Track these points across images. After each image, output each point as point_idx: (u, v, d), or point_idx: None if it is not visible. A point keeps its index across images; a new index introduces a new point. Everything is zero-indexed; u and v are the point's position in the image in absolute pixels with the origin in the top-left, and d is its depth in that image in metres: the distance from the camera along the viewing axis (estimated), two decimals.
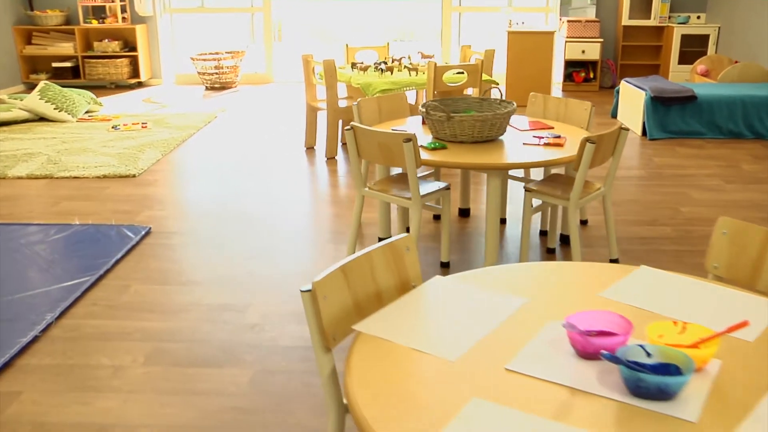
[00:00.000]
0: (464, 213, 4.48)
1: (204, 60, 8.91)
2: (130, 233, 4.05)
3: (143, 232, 4.07)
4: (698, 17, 9.02)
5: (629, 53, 9.29)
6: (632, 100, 6.82)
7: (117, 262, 3.70)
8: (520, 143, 3.57)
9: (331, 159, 5.70)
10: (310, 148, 6.05)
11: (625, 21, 8.96)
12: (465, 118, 3.47)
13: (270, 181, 5.14)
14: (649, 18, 8.96)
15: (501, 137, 3.66)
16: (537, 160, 3.27)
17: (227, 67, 9.00)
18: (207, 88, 9.11)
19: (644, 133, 6.57)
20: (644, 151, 6.06)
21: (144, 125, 6.78)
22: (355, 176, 3.56)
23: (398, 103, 4.25)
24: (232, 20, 9.99)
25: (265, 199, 4.75)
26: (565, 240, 4.01)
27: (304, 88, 7.94)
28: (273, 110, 7.73)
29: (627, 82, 7.07)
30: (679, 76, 8.86)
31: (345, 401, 1.60)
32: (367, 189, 3.58)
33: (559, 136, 3.65)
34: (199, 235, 4.12)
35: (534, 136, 3.68)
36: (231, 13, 9.68)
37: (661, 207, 4.60)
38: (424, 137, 3.66)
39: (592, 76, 9.01)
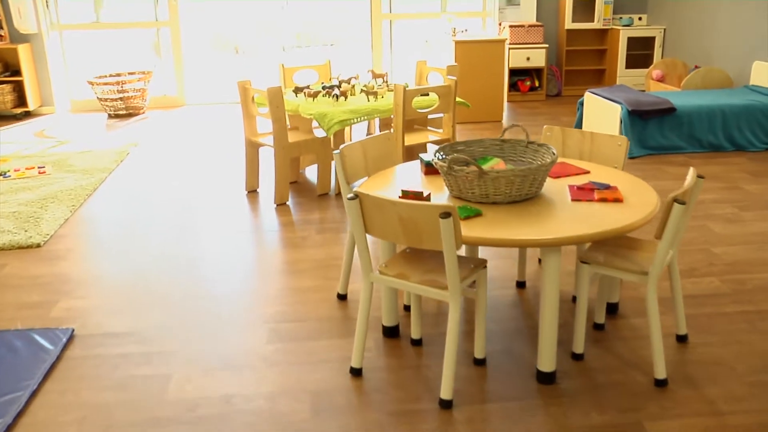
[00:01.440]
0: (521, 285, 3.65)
1: (105, 84, 7.70)
2: (44, 341, 2.99)
3: (64, 339, 3.02)
4: (639, 18, 8.57)
5: (573, 58, 8.74)
6: (602, 114, 6.19)
7: (27, 404, 2.64)
8: (566, 199, 2.77)
9: (281, 206, 4.74)
10: (252, 192, 5.06)
11: (568, 24, 8.39)
12: (502, 173, 2.63)
13: (212, 243, 4.14)
14: (592, 20, 8.42)
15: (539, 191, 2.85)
16: (608, 228, 2.46)
17: (133, 91, 7.82)
18: (110, 116, 7.90)
19: None
20: (630, 173, 5.40)
21: (42, 170, 5.59)
22: (362, 258, 2.65)
23: (386, 146, 3.37)
24: (134, 37, 8.79)
25: (216, 271, 3.76)
26: (611, 309, 3.24)
27: (241, 118, 6.96)
28: (194, 141, 6.66)
29: (593, 93, 6.44)
30: (628, 81, 8.37)
31: None
32: (377, 273, 2.68)
33: (609, 187, 2.87)
34: (144, 333, 3.09)
35: (578, 188, 2.88)
36: (132, 29, 8.48)
37: (691, 249, 3.92)
38: (438, 194, 2.81)
39: (537, 84, 8.39)
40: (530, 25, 8.15)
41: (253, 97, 4.79)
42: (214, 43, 15.35)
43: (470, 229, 2.47)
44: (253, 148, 4.99)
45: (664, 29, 8.27)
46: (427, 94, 4.86)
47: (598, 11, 8.36)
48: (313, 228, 4.31)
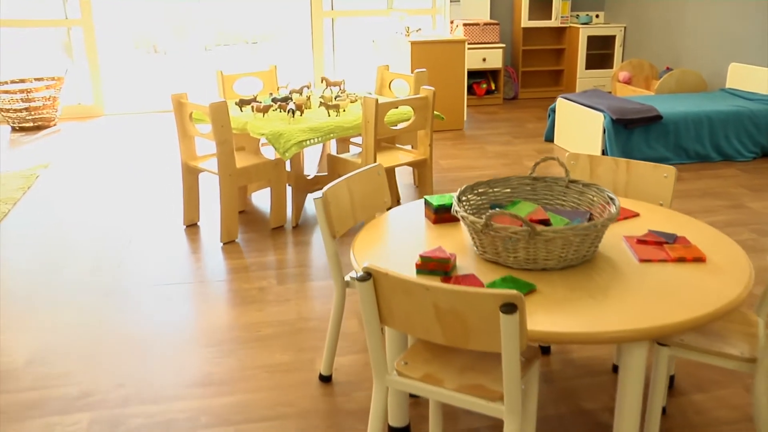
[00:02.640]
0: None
1: (6, 92, 6.65)
2: None
3: None
4: (597, 16, 8.08)
5: (529, 59, 8.17)
6: (579, 122, 5.60)
7: None
8: (629, 258, 2.10)
9: (230, 244, 3.93)
10: (192, 226, 4.22)
11: (525, 22, 7.81)
12: (560, 233, 1.94)
13: (143, 302, 3.31)
14: (549, 18, 7.87)
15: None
16: (711, 308, 1.80)
17: (41, 100, 6.80)
18: (15, 129, 6.85)
19: None
20: None
21: None
22: (375, 358, 1.91)
23: (375, 183, 2.64)
24: (41, 37, 7.72)
25: (151, 346, 2.93)
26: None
27: (173, 131, 6.05)
28: (117, 160, 5.74)
29: (566, 99, 5.85)
30: (588, 83, 7.85)
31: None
32: (395, 376, 1.94)
33: (676, 238, 2.21)
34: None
35: (639, 241, 2.21)
36: (39, 28, 7.42)
37: None
38: (463, 256, 2.10)
39: (493, 87, 7.78)
40: (485, 23, 7.53)
41: (190, 114, 3.96)
42: (133, 43, 14.17)
43: (527, 315, 1.76)
44: (191, 174, 4.15)
45: (624, 27, 7.79)
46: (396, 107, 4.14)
47: (555, 8, 7.81)
48: (272, 275, 3.53)
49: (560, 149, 5.86)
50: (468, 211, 2.28)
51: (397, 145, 4.46)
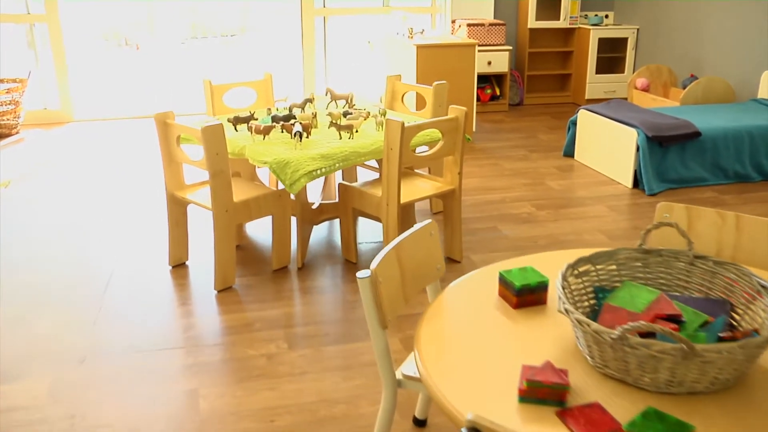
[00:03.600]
0: None
1: None
2: None
3: None
4: (606, 16, 7.55)
5: (535, 62, 7.63)
6: (605, 138, 5.06)
7: None
8: None
9: (226, 292, 3.32)
10: (179, 267, 3.60)
11: (531, 23, 7.26)
12: (728, 351, 1.38)
13: (121, 376, 2.70)
14: (557, 19, 7.33)
15: None
16: None
17: (1, 105, 6.09)
18: None
19: (636, 184, 4.84)
20: (653, 215, 4.30)
21: None
22: None
23: (428, 247, 2.07)
24: (0, 35, 6.99)
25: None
26: None
27: (160, 165, 5.42)
28: (89, 177, 5.08)
29: (590, 111, 5.31)
30: (599, 89, 7.33)
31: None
32: None
33: None
34: None
35: None
36: None
37: None
38: (574, 368, 1.53)
39: (498, 92, 7.22)
40: (491, 24, 6.96)
41: (178, 138, 3.34)
42: (102, 37, 13.34)
43: None
44: (178, 207, 3.53)
45: (637, 29, 7.28)
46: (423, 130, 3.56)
47: (564, 8, 7.26)
48: (280, 335, 2.93)
49: (582, 166, 5.32)
50: (570, 300, 1.72)
51: (417, 171, 3.87)
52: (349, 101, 4.21)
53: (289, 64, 9.10)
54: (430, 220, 2.12)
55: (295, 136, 3.34)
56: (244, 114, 3.85)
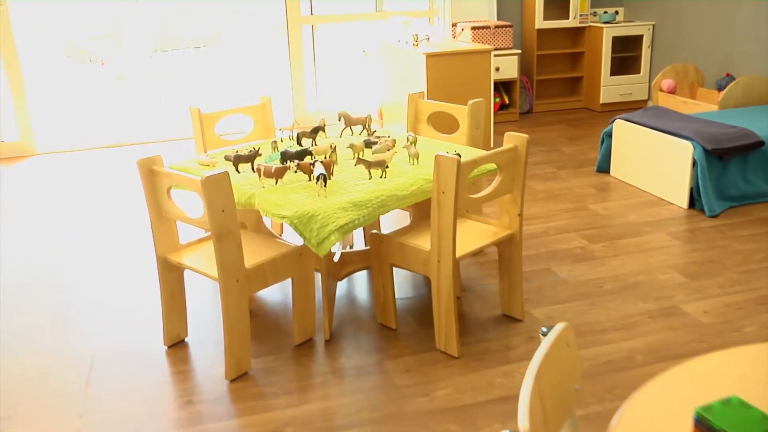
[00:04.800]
0: None
1: None
2: None
3: None
4: (616, 12, 6.97)
5: (544, 65, 7.02)
6: (651, 152, 4.45)
7: None
8: None
9: (239, 381, 2.63)
10: (176, 346, 2.89)
11: (540, 23, 6.64)
12: None
13: None
14: (566, 17, 6.72)
15: None
16: None
17: None
18: None
19: (692, 204, 4.23)
20: (730, 245, 3.70)
21: None
22: None
23: (564, 363, 1.43)
24: None
25: None
26: None
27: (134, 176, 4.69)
28: (57, 220, 4.34)
29: (627, 121, 4.70)
30: (613, 92, 6.74)
31: None
32: None
33: None
34: None
35: None
36: None
37: None
38: None
39: (507, 101, 6.60)
40: (497, 26, 6.33)
41: (169, 189, 2.64)
42: (65, 58, 12.48)
43: None
44: (173, 274, 2.83)
45: (653, 26, 6.70)
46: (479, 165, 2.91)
47: (573, 5, 6.66)
48: None
49: (622, 183, 4.70)
50: None
51: (467, 211, 3.21)
52: (367, 126, 3.54)
53: (270, 77, 8.41)
54: (563, 324, 1.46)
55: (318, 180, 2.66)
56: (245, 150, 3.16)
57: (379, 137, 3.36)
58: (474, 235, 2.86)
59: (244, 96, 8.39)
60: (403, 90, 5.51)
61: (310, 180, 2.85)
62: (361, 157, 2.96)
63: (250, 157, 3.00)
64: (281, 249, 2.74)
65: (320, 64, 6.71)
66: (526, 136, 2.73)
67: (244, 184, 2.84)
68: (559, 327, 1.46)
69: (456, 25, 6.54)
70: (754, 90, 5.31)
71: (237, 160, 2.99)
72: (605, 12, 6.90)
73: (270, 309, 3.17)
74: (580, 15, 6.70)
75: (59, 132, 6.73)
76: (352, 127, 3.59)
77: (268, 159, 3.11)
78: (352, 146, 3.11)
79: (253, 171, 2.99)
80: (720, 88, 5.55)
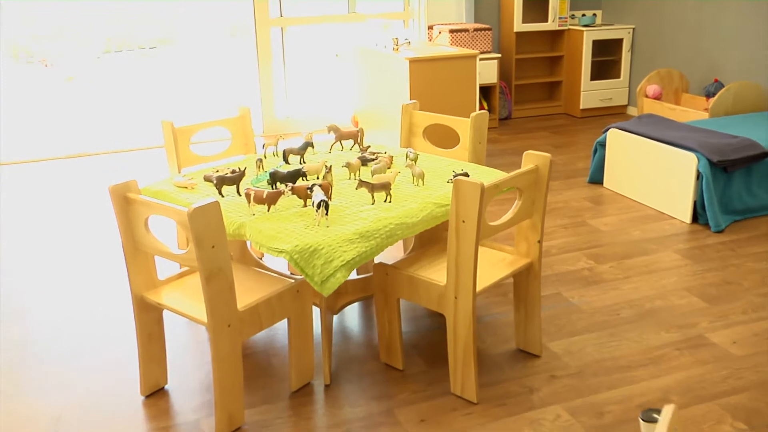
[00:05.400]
0: None
1: None
2: None
3: None
4: (594, 15, 6.79)
5: (522, 70, 6.79)
6: (647, 163, 4.24)
7: None
8: None
9: None
10: (154, 396, 2.54)
11: (518, 26, 6.41)
12: None
13: None
14: (545, 20, 6.51)
15: None
16: None
17: None
18: None
19: (695, 218, 4.03)
20: (744, 264, 3.50)
21: None
22: None
23: None
24: None
25: None
26: None
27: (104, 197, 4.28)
28: (18, 244, 3.93)
29: (622, 129, 4.48)
30: (594, 96, 6.55)
31: None
32: None
33: None
34: None
35: None
36: None
37: None
38: None
39: (486, 107, 6.36)
40: (476, 29, 6.08)
41: (146, 220, 2.30)
42: (11, 59, 11.84)
43: None
44: (149, 314, 2.48)
45: (633, 29, 6.53)
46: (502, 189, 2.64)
47: (552, 8, 6.44)
48: None
49: (618, 196, 4.49)
50: None
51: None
52: (359, 141, 3.24)
53: (234, 81, 8.02)
54: (670, 408, 1.18)
55: (318, 208, 2.34)
56: (227, 169, 2.83)
57: (374, 153, 3.06)
58: (489, 265, 2.58)
59: (209, 102, 7.99)
60: (381, 96, 5.21)
61: (305, 206, 2.53)
62: (360, 177, 2.65)
63: (235, 179, 2.67)
64: (276, 285, 2.41)
65: (290, 68, 6.36)
66: (548, 155, 2.46)
67: (231, 210, 2.50)
68: (667, 413, 1.18)
69: (432, 28, 6.27)
70: (744, 97, 5.15)
71: (220, 182, 2.66)
72: (583, 15, 6.71)
73: (260, 347, 2.84)
74: (559, 18, 6.49)
75: (11, 140, 6.25)
76: (342, 141, 3.27)
77: (255, 180, 2.78)
78: (348, 165, 2.80)
79: (239, 194, 2.66)
80: (709, 95, 5.39)
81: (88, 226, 4.18)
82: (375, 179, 2.62)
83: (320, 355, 2.70)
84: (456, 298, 2.35)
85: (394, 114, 5.01)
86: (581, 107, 6.54)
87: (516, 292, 2.70)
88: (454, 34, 6.00)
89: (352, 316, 3.10)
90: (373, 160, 2.99)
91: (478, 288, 2.40)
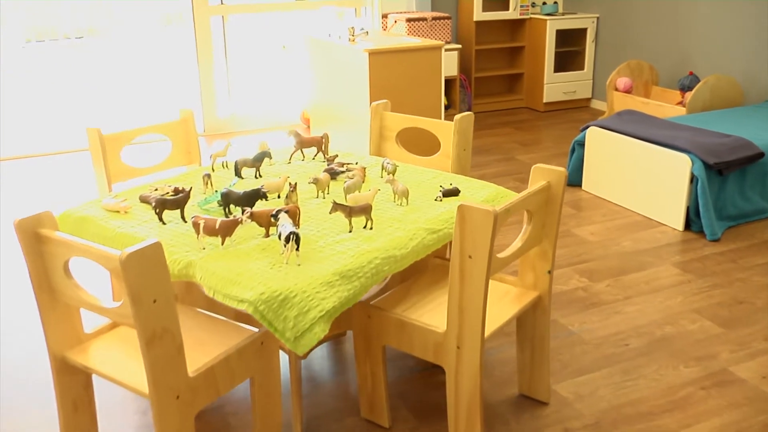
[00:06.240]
0: None
1: None
2: None
3: None
4: (555, 3, 6.44)
5: (482, 61, 6.40)
6: (632, 165, 3.89)
7: None
8: None
9: None
10: None
11: (478, 15, 6.01)
12: None
13: None
14: (506, 8, 6.13)
15: None
16: None
17: None
18: None
19: (688, 225, 3.70)
20: (750, 279, 3.17)
21: None
22: None
23: None
24: None
25: None
26: None
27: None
28: None
29: (602, 128, 4.12)
30: (558, 90, 6.21)
31: None
32: None
33: None
34: None
35: None
36: None
37: None
38: None
39: (447, 102, 5.94)
40: (434, 18, 5.65)
41: (66, 263, 1.79)
42: None
43: None
44: (74, 377, 1.97)
45: (597, 18, 6.20)
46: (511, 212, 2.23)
47: None
48: None
49: (599, 200, 4.14)
50: None
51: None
52: (323, 149, 2.77)
53: (168, 76, 7.39)
54: None
55: (287, 242, 1.87)
56: (167, 186, 2.33)
57: (343, 164, 2.60)
58: (490, 302, 2.15)
59: (144, 101, 7.34)
60: (335, 92, 4.74)
61: (268, 235, 2.05)
62: (333, 200, 2.18)
63: (179, 202, 2.17)
64: (235, 339, 1.93)
65: (233, 61, 5.82)
66: (562, 170, 2.04)
67: (175, 244, 2.01)
68: None
69: (387, 17, 5.81)
70: (722, 90, 4.87)
71: (161, 205, 2.16)
72: (544, 3, 6.36)
73: (214, 402, 2.35)
74: (521, 6, 6.12)
75: None
76: (303, 150, 2.80)
77: (203, 203, 2.28)
78: (316, 182, 2.33)
79: (184, 220, 2.17)
80: (684, 88, 5.09)
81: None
82: (351, 200, 2.17)
83: (289, 413, 2.24)
84: (459, 348, 1.91)
85: (351, 111, 4.55)
86: (544, 101, 6.20)
87: (520, 330, 2.28)
88: (412, 23, 5.56)
89: (320, 354, 2.64)
90: (343, 172, 2.53)
91: (488, 332, 1.96)
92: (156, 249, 1.60)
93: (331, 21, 5.87)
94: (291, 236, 1.87)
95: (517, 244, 2.02)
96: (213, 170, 2.64)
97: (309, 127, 5.50)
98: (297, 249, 1.88)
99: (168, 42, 8.63)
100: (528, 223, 2.05)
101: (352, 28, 4.60)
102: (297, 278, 1.81)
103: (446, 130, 2.75)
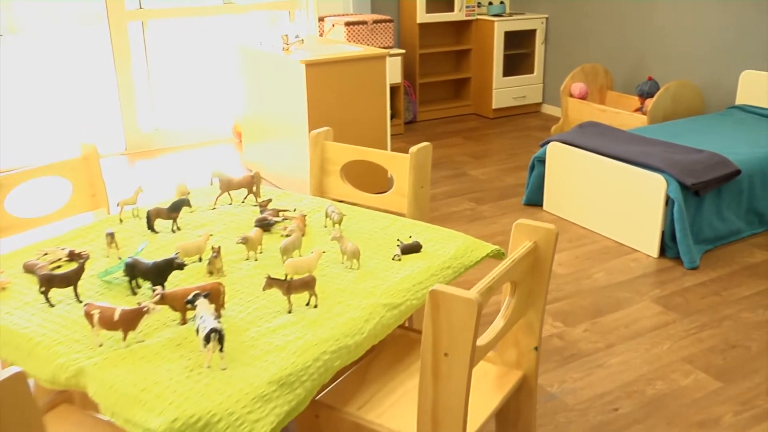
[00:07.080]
0: None
1: None
2: None
3: None
4: (502, 3, 6.10)
5: (426, 66, 6.02)
6: (597, 184, 3.55)
7: None
8: None
9: None
10: None
11: (421, 17, 5.62)
12: None
13: None
14: (451, 10, 5.75)
15: None
16: None
17: None
18: None
19: (663, 251, 3.38)
20: (739, 315, 2.87)
21: None
22: None
23: None
24: None
25: None
26: None
27: None
28: None
29: (564, 143, 3.78)
30: (506, 95, 5.88)
31: None
32: None
33: None
34: None
35: None
36: None
37: None
38: None
39: (391, 111, 5.53)
40: (375, 21, 5.23)
41: None
42: None
43: None
44: None
45: (546, 19, 5.88)
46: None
47: None
48: None
49: (562, 221, 3.80)
50: None
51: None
52: (254, 190, 2.32)
53: (80, 87, 6.73)
54: None
55: (208, 341, 1.43)
56: (59, 253, 1.86)
57: (278, 212, 2.16)
58: (475, 387, 1.74)
59: (51, 115, 6.67)
60: (269, 105, 4.28)
61: (184, 322, 1.60)
62: (269, 275, 1.74)
63: (71, 278, 1.71)
64: None
65: (155, 71, 5.28)
66: (552, 227, 1.65)
67: (63, 338, 1.55)
68: None
69: (324, 20, 5.36)
70: (684, 98, 4.60)
71: (47, 283, 1.69)
72: (491, 3, 6.01)
73: None
74: (467, 7, 5.75)
75: None
76: (230, 193, 2.35)
77: (103, 274, 1.81)
78: (246, 241, 1.89)
79: (78, 300, 1.70)
80: (643, 94, 4.80)
81: None
82: (289, 266, 1.73)
83: None
84: None
85: (288, 126, 4.11)
86: (493, 106, 5.85)
87: (501, 417, 1.88)
88: (351, 27, 5.13)
89: None
90: (279, 221, 2.09)
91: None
92: (18, 382, 1.13)
93: (263, 26, 5.39)
94: (213, 334, 1.42)
95: (498, 323, 1.62)
96: (121, 221, 2.17)
97: (240, 139, 5.03)
98: (221, 349, 1.44)
99: (85, 47, 7.97)
100: (512, 296, 1.66)
101: (286, 35, 4.15)
102: (221, 392, 1.37)
103: (400, 165, 2.34)
